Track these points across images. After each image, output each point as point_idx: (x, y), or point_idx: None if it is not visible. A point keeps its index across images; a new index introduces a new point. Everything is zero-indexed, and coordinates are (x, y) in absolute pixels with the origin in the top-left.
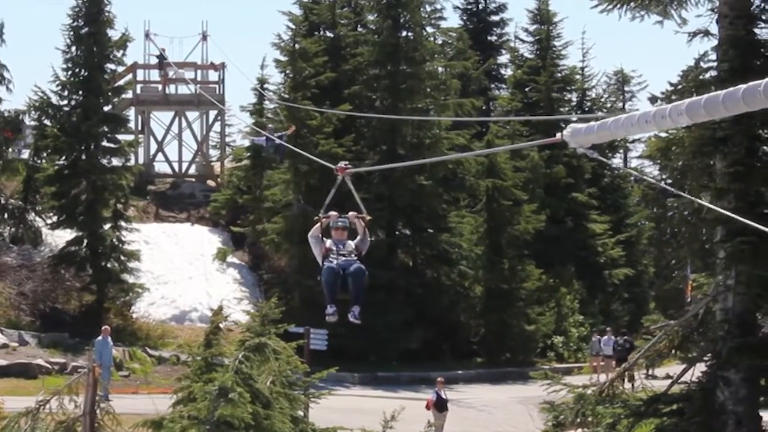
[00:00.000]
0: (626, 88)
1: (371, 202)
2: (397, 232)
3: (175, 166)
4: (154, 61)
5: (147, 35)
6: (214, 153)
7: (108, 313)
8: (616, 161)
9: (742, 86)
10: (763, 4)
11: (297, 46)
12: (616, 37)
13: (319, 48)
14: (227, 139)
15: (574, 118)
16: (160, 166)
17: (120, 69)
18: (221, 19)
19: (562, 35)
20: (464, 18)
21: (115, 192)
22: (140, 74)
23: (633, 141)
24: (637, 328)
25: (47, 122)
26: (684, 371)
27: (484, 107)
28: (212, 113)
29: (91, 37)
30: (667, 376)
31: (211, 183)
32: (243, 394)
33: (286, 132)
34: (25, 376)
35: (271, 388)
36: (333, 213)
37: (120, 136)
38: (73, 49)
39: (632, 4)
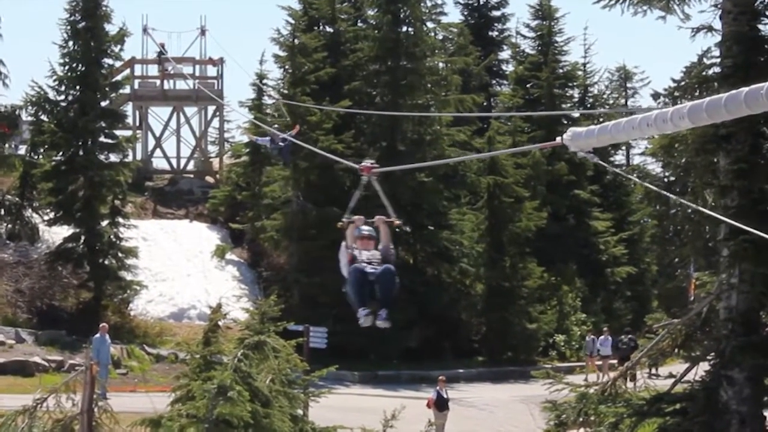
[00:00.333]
0: (628, 85)
1: (371, 199)
2: (397, 230)
3: (174, 162)
4: (154, 56)
5: (145, 30)
6: (212, 149)
7: (105, 311)
8: (619, 158)
9: (744, 89)
10: (766, 0)
11: (296, 41)
12: (619, 33)
13: (318, 43)
14: (226, 135)
15: (576, 114)
16: (158, 162)
17: (118, 64)
18: (220, 13)
19: (564, 31)
20: (465, 13)
21: (112, 188)
22: (138, 69)
23: (636, 138)
24: (639, 327)
25: (44, 117)
26: (687, 370)
27: (485, 103)
28: (211, 109)
29: (89, 32)
30: (670, 375)
31: (209, 179)
32: (242, 392)
33: (292, 133)
34: (21, 373)
35: (270, 387)
36: (358, 217)
37: (118, 132)
38: (71, 43)
39: None
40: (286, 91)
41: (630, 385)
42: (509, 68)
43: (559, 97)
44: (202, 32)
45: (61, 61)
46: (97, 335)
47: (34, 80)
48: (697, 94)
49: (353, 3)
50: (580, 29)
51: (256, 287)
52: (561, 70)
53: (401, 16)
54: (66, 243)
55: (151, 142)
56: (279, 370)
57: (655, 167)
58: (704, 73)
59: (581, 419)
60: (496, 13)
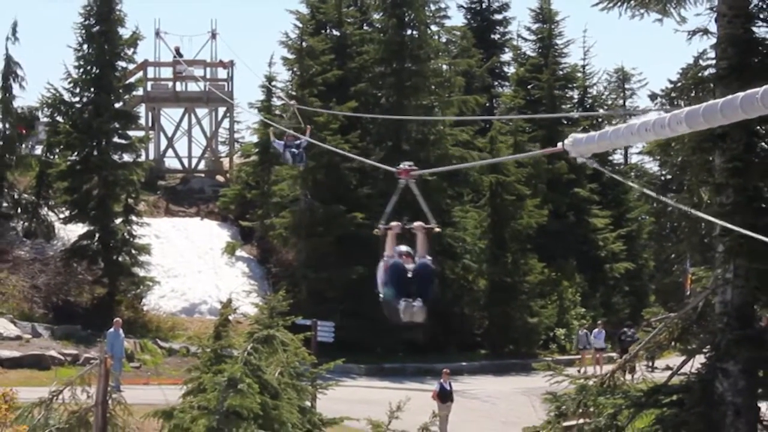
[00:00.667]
0: (627, 86)
1: (376, 197)
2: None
3: (185, 161)
4: (168, 59)
5: (157, 33)
6: (223, 149)
7: (119, 306)
8: (617, 157)
9: (740, 94)
10: (761, 3)
11: (304, 44)
12: (617, 36)
13: (325, 46)
14: (236, 136)
15: (576, 115)
16: (170, 162)
17: (131, 66)
18: (230, 17)
19: (564, 34)
20: (468, 17)
21: (126, 187)
22: (150, 72)
23: (635, 143)
24: (637, 321)
25: (60, 119)
26: (684, 363)
27: (487, 104)
28: (221, 110)
29: (103, 36)
30: (667, 368)
31: (220, 178)
32: (252, 384)
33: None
34: (38, 367)
35: (279, 379)
36: (396, 223)
37: (131, 133)
38: (85, 47)
39: (632, 2)
40: (294, 93)
41: (628, 377)
42: (511, 70)
43: (559, 98)
44: (213, 36)
45: (76, 64)
46: (111, 330)
47: (49, 83)
48: (693, 94)
49: (359, 7)
50: (580, 32)
51: (266, 283)
52: (561, 72)
53: (406, 19)
54: (81, 240)
55: (164, 143)
56: (288, 363)
57: (652, 165)
58: (700, 75)
59: (581, 410)
60: (498, 17)
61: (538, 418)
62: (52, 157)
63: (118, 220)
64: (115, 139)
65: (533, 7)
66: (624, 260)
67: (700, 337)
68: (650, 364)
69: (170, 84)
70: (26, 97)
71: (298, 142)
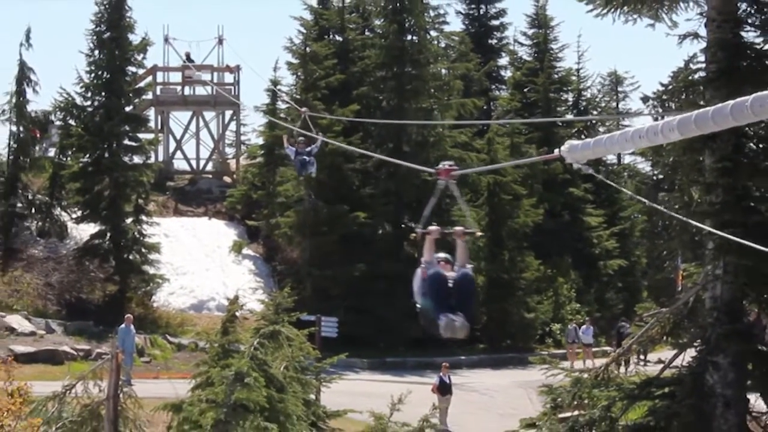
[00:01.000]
0: (619, 89)
1: (378, 197)
2: (403, 225)
3: (193, 163)
4: (178, 64)
5: (166, 39)
6: (229, 151)
7: (130, 303)
8: (611, 157)
9: (730, 102)
10: (749, 9)
11: (308, 49)
12: (610, 40)
13: (328, 51)
14: (242, 138)
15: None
16: (179, 164)
17: (140, 71)
18: (236, 23)
19: (559, 39)
20: (466, 22)
21: (136, 188)
22: (160, 76)
23: (629, 150)
24: (630, 316)
25: (72, 122)
26: (675, 356)
27: (485, 107)
28: (228, 113)
29: (113, 42)
30: (659, 361)
31: (227, 179)
32: (258, 378)
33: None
34: (51, 362)
35: (284, 373)
36: (435, 227)
37: (141, 135)
38: (96, 52)
39: (625, 8)
40: (299, 96)
41: (622, 370)
42: (507, 74)
43: (554, 101)
44: (220, 41)
45: (88, 69)
46: (123, 325)
47: (62, 87)
48: (683, 97)
49: (361, 13)
50: (574, 37)
51: (271, 280)
52: (556, 76)
53: (406, 25)
54: (93, 239)
55: (172, 145)
56: (293, 358)
57: (644, 166)
58: (690, 78)
59: (576, 402)
60: (495, 23)
61: (535, 410)
62: (64, 159)
63: (129, 220)
64: (126, 142)
65: (529, 13)
66: (617, 257)
67: (690, 331)
68: (642, 357)
69: (179, 88)
70: (39, 101)
71: (308, 149)
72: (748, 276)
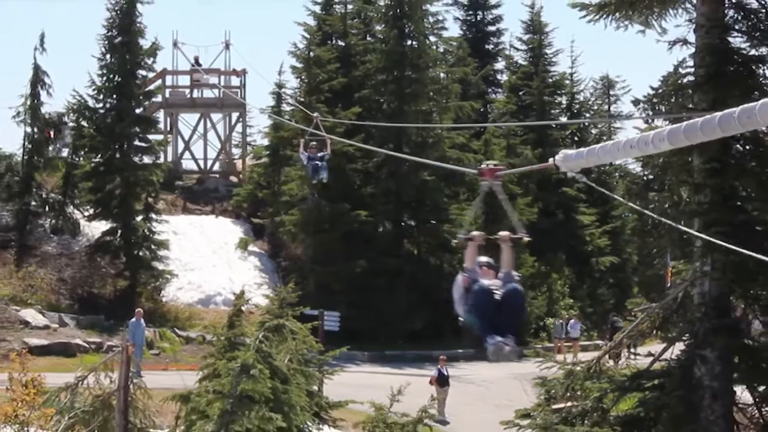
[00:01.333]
0: (611, 92)
1: (379, 196)
2: (403, 223)
3: (201, 163)
4: (187, 67)
5: (175, 44)
6: (236, 151)
7: (140, 297)
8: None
9: (718, 114)
10: (736, 15)
11: (311, 54)
12: (603, 45)
13: (331, 56)
14: (248, 139)
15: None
16: (187, 164)
17: (150, 75)
18: (243, 29)
19: (553, 44)
20: (464, 28)
21: (146, 187)
22: (169, 80)
23: (621, 159)
24: (621, 311)
25: (84, 123)
26: (664, 350)
27: (482, 109)
28: (234, 115)
29: (124, 46)
30: (649, 354)
31: (233, 179)
32: (263, 370)
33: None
34: (64, 354)
35: (288, 366)
36: (478, 233)
37: (150, 136)
38: (108, 57)
39: (617, 14)
40: (302, 99)
41: (613, 363)
42: (504, 78)
43: (548, 104)
44: (227, 46)
45: (100, 72)
46: (133, 319)
47: (75, 90)
48: (673, 100)
49: (363, 19)
50: (568, 42)
51: (276, 276)
52: (550, 80)
53: (406, 31)
54: (104, 236)
55: (181, 146)
56: (296, 351)
57: (635, 166)
58: (680, 82)
59: (569, 394)
60: (492, 28)
61: (529, 401)
62: (77, 159)
63: (139, 218)
64: (136, 143)
65: (524, 19)
66: (609, 254)
67: (679, 326)
68: (633, 350)
69: (187, 91)
70: (53, 103)
71: (321, 154)
72: (735, 272)
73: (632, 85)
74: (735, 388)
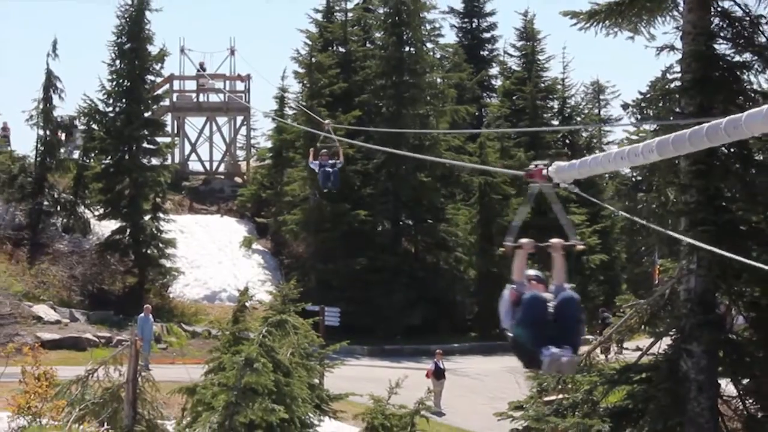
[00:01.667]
0: (601, 97)
1: (378, 196)
2: (401, 223)
3: (207, 165)
4: (194, 72)
5: (182, 50)
6: (240, 153)
7: (148, 294)
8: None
9: (705, 125)
10: (721, 23)
11: (313, 59)
12: (593, 52)
13: (332, 61)
14: (252, 141)
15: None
16: (194, 165)
17: (158, 80)
18: (247, 35)
19: (546, 50)
20: (460, 35)
21: (154, 187)
22: (176, 84)
23: (608, 143)
24: (610, 307)
25: (95, 126)
26: (652, 344)
27: (477, 113)
28: (239, 118)
29: (133, 52)
30: (637, 349)
31: (238, 180)
32: (266, 364)
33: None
34: (75, 348)
35: (290, 359)
36: (527, 240)
37: (158, 139)
38: (118, 62)
39: (606, 22)
40: (304, 103)
41: (603, 357)
42: (498, 83)
43: (541, 108)
44: (232, 52)
45: (110, 77)
46: (141, 315)
47: (86, 94)
48: (660, 104)
49: (363, 26)
50: (560, 49)
51: (279, 273)
52: (543, 85)
53: (404, 37)
54: (114, 235)
55: (188, 148)
56: (298, 345)
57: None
58: (667, 87)
59: (560, 387)
60: (487, 35)
61: (522, 394)
62: (88, 160)
63: (147, 217)
64: (145, 145)
65: (518, 27)
66: (599, 252)
67: (666, 321)
68: (620, 345)
69: (194, 95)
70: (65, 107)
71: (332, 161)
72: (720, 270)
73: (621, 90)
74: (720, 381)
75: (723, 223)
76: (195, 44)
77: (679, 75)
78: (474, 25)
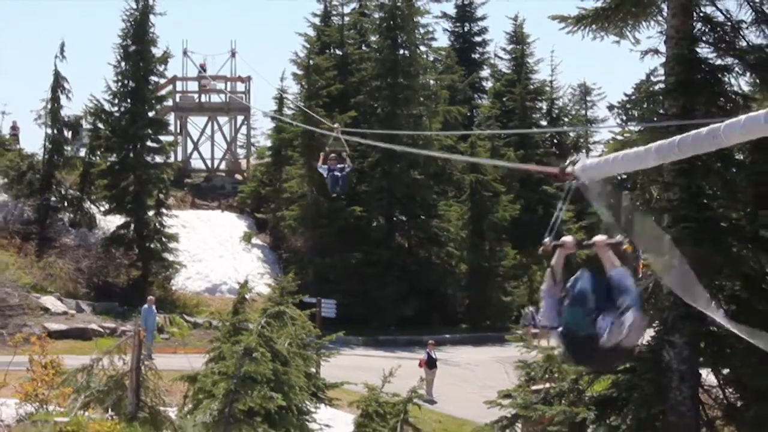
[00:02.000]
0: (588, 98)
1: (372, 193)
2: (394, 218)
3: (208, 162)
4: (195, 74)
5: (185, 52)
6: (241, 152)
7: (151, 286)
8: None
9: (742, 117)
10: (703, 28)
11: (311, 62)
12: (580, 55)
13: (329, 64)
14: (252, 140)
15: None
16: (196, 163)
17: (162, 81)
18: (248, 38)
19: (535, 53)
20: (452, 39)
21: (157, 184)
22: (179, 85)
23: (594, 143)
24: None
25: (101, 125)
26: None
27: (468, 114)
28: (240, 118)
29: (138, 54)
30: None
31: (238, 177)
32: (265, 353)
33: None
34: (81, 338)
35: (288, 349)
36: (568, 239)
37: (162, 138)
38: (123, 64)
39: (593, 26)
40: (305, 105)
41: None
42: (488, 84)
43: (530, 109)
44: (233, 54)
45: (115, 78)
46: (145, 306)
47: (92, 95)
48: (645, 106)
49: (359, 30)
50: (548, 52)
51: (277, 266)
52: (532, 86)
53: (399, 41)
54: (119, 230)
55: (190, 146)
56: (296, 335)
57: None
58: (651, 89)
59: (547, 376)
60: (478, 39)
61: (511, 383)
62: (94, 158)
63: (151, 213)
64: (148, 143)
65: (508, 31)
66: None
67: (650, 313)
68: None
69: (196, 96)
70: (72, 107)
71: (341, 166)
72: (701, 265)
73: (607, 92)
74: (701, 371)
75: (704, 220)
76: (197, 47)
77: (663, 78)
78: (466, 29)
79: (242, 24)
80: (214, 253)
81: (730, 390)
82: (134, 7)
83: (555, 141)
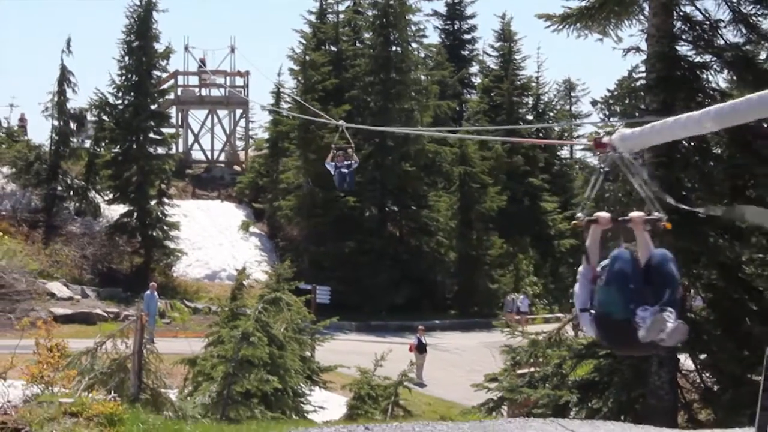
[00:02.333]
0: (572, 94)
1: (365, 184)
2: (386, 208)
3: (208, 154)
4: (195, 69)
5: (186, 48)
6: (239, 144)
7: (153, 272)
8: (564, 152)
9: (706, 109)
10: (683, 26)
11: (307, 57)
12: (565, 52)
13: (325, 59)
14: (250, 133)
15: (530, 117)
16: (196, 154)
17: (164, 75)
18: (246, 34)
19: (521, 50)
20: (442, 36)
21: (159, 175)
22: (180, 79)
23: (578, 137)
24: None
25: (105, 118)
26: None
27: (457, 108)
28: (239, 111)
29: (141, 50)
30: None
31: (237, 168)
32: (261, 338)
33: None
34: (86, 322)
35: (284, 334)
36: (603, 214)
37: (164, 130)
38: (126, 59)
39: (578, 25)
40: (298, 97)
41: (572, 333)
42: (477, 80)
43: (516, 104)
44: (232, 50)
45: (119, 72)
46: (147, 292)
47: (97, 88)
48: (627, 101)
49: (353, 27)
50: (535, 49)
51: (274, 254)
52: (518, 82)
53: (391, 38)
54: (122, 218)
55: (191, 138)
56: (291, 321)
57: (592, 159)
58: (633, 85)
59: (532, 360)
60: (467, 36)
61: (497, 367)
62: (98, 149)
63: (153, 202)
64: (151, 135)
65: (496, 29)
66: (569, 238)
67: None
68: None
69: (196, 90)
70: (78, 100)
71: (347, 162)
72: (680, 255)
73: (591, 88)
74: (679, 357)
75: (683, 212)
76: (198, 43)
77: (644, 74)
78: (456, 27)
79: (241, 21)
80: (214, 241)
81: (707, 374)
82: (138, 4)
83: (540, 135)
